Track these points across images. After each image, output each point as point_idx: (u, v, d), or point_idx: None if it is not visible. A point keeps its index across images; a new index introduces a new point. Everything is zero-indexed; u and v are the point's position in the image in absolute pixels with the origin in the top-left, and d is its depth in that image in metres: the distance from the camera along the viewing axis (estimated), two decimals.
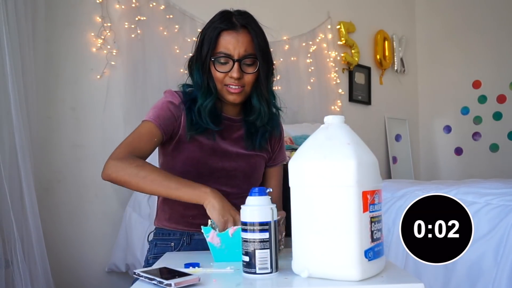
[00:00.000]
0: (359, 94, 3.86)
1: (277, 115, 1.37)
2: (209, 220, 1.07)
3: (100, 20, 2.39)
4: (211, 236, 1.02)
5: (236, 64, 1.21)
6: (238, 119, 1.34)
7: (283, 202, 1.38)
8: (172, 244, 1.31)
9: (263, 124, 1.31)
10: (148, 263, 1.31)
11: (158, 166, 1.34)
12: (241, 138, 1.34)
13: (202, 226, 1.04)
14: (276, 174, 1.44)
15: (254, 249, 0.85)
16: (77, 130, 2.33)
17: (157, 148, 1.31)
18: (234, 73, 1.22)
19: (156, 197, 2.20)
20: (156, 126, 1.22)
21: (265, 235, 0.86)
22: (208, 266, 0.97)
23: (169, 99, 1.28)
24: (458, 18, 4.33)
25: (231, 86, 1.24)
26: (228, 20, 1.23)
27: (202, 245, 1.27)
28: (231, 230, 1.01)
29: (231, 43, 1.21)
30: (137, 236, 2.22)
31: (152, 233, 1.38)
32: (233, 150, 1.32)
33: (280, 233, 1.12)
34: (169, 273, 0.86)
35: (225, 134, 1.31)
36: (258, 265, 0.85)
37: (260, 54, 1.24)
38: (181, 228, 1.32)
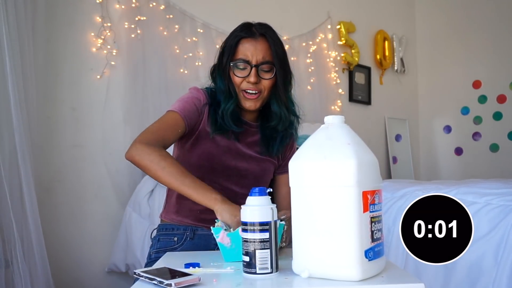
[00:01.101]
0: (359, 94, 3.86)
1: (295, 122, 1.41)
2: (216, 220, 1.08)
3: (100, 20, 2.39)
4: (221, 236, 1.02)
5: (253, 69, 1.27)
6: (254, 125, 1.39)
7: None
8: (175, 238, 1.33)
9: (284, 128, 1.36)
10: (150, 258, 1.33)
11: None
12: (255, 143, 1.38)
13: (211, 227, 1.04)
14: (288, 182, 1.44)
15: (254, 249, 0.85)
16: (77, 130, 2.33)
17: None
18: (252, 78, 1.27)
19: (157, 196, 2.21)
20: (182, 117, 1.27)
21: (265, 235, 0.86)
22: (208, 266, 0.97)
23: (195, 95, 1.34)
24: (458, 18, 4.33)
25: (248, 91, 1.29)
26: (247, 29, 1.30)
27: (205, 240, 1.32)
28: (241, 229, 1.01)
29: (249, 50, 1.28)
30: (137, 236, 2.22)
31: (155, 230, 1.40)
32: (246, 152, 1.36)
33: (287, 233, 1.12)
34: (169, 273, 0.86)
35: (241, 137, 1.36)
36: (258, 265, 0.85)
37: (277, 61, 1.30)
38: (187, 222, 1.34)
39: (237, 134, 1.34)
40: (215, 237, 1.03)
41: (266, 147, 1.37)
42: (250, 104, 1.31)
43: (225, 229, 1.04)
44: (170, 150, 1.34)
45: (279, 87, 1.32)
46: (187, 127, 1.28)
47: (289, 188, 1.41)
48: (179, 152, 1.37)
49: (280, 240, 1.06)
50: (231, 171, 1.34)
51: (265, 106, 1.36)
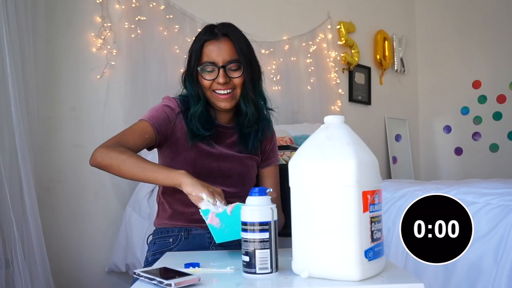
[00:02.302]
0: (359, 94, 3.86)
1: (267, 117, 1.43)
2: (200, 210, 1.08)
3: (100, 20, 2.39)
4: (210, 217, 1.03)
5: (221, 70, 1.29)
6: (230, 126, 1.40)
7: (282, 202, 1.40)
8: (171, 240, 1.34)
9: (251, 124, 1.37)
10: (147, 262, 1.34)
11: None
12: (234, 144, 1.40)
13: (200, 209, 1.04)
14: (271, 175, 1.48)
15: (254, 249, 0.85)
16: (77, 130, 2.33)
17: (157, 152, 1.40)
18: (220, 79, 1.29)
19: (156, 197, 2.22)
20: (150, 124, 1.29)
21: (265, 235, 0.86)
22: (208, 266, 0.97)
23: (166, 103, 1.36)
24: (458, 18, 4.34)
25: (219, 92, 1.31)
26: (210, 32, 1.32)
27: (199, 239, 1.34)
28: (229, 208, 1.02)
29: (214, 51, 1.29)
30: (137, 236, 2.22)
31: (151, 235, 1.42)
32: (228, 153, 1.38)
33: None
34: (169, 273, 0.86)
35: (219, 140, 1.38)
36: (258, 265, 0.85)
37: (243, 59, 1.30)
38: (180, 224, 1.35)
39: (215, 139, 1.36)
40: (204, 219, 1.03)
41: (245, 146, 1.39)
42: (225, 103, 1.32)
43: (213, 211, 1.04)
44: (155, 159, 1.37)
45: (247, 84, 1.32)
46: (156, 134, 1.29)
47: (273, 181, 1.46)
48: (162, 161, 1.38)
49: None
50: (215, 173, 1.35)
51: (238, 106, 1.37)
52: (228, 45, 1.30)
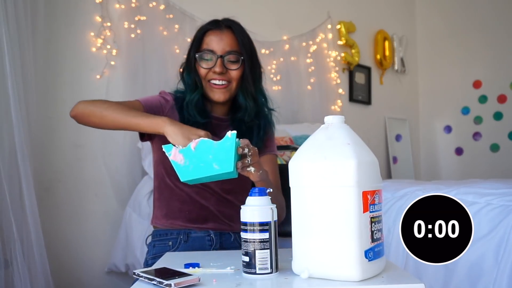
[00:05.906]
0: (359, 94, 3.86)
1: (269, 116, 1.40)
2: (162, 146, 1.04)
3: (100, 20, 2.38)
4: (173, 153, 0.99)
5: (219, 59, 1.28)
6: (225, 118, 1.39)
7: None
8: (170, 243, 1.33)
9: (250, 119, 1.34)
10: (147, 264, 1.33)
11: (152, 163, 1.42)
12: None
13: (163, 145, 1.01)
14: (268, 162, 1.41)
15: (254, 249, 0.85)
16: (77, 130, 2.31)
17: (150, 146, 1.41)
18: (217, 68, 1.28)
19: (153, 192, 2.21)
20: (142, 105, 1.29)
21: (265, 235, 0.86)
22: (208, 266, 0.97)
23: (162, 95, 1.37)
24: (458, 17, 4.33)
25: (214, 82, 1.29)
26: (214, 22, 1.33)
27: (199, 242, 1.33)
28: (193, 143, 0.99)
29: (215, 41, 1.30)
30: (137, 236, 2.22)
31: (150, 236, 1.41)
32: None
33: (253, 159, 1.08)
34: (169, 273, 0.86)
35: (213, 133, 1.33)
36: (258, 265, 0.85)
37: (244, 51, 1.30)
38: (178, 224, 1.34)
39: (209, 131, 1.29)
40: (167, 155, 1.00)
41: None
42: (218, 95, 1.30)
43: (176, 146, 1.01)
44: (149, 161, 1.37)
45: (247, 78, 1.31)
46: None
47: (270, 167, 1.41)
48: (157, 154, 1.37)
49: (235, 160, 0.99)
50: None
51: (235, 99, 1.35)
52: (230, 37, 1.30)
